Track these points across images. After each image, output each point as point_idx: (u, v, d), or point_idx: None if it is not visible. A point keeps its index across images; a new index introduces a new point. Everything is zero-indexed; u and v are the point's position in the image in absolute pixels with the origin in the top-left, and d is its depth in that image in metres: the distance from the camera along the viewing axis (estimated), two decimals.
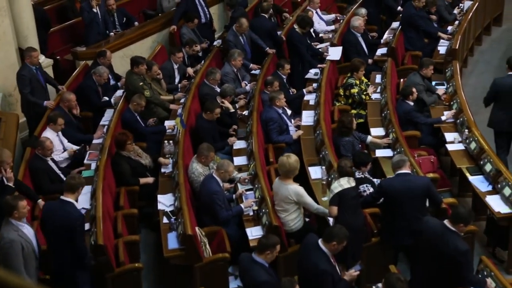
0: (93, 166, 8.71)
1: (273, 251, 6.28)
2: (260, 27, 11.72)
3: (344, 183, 7.14)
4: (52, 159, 8.42)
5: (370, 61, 11.37)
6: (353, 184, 7.19)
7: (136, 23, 12.65)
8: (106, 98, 10.31)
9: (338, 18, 12.99)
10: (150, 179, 8.69)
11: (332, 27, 12.67)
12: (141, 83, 9.92)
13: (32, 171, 8.30)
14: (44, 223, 6.91)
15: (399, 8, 12.96)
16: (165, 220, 7.78)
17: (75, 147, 9.08)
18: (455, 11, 12.86)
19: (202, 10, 12.38)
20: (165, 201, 8.07)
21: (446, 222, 6.37)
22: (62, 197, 6.81)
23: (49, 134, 8.76)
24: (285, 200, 7.38)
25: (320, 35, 12.35)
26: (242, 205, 7.85)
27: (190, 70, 11.09)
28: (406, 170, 7.22)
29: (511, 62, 9.24)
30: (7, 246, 6.35)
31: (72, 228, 6.60)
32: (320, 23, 12.72)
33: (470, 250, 6.57)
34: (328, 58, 11.11)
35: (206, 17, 12.50)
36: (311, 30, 11.95)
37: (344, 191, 7.08)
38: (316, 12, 12.77)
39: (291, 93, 10.55)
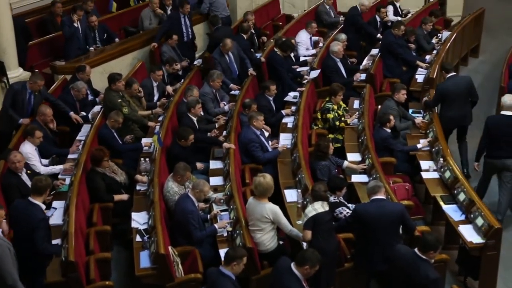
0: (68, 181, 8.62)
1: (240, 263, 6.39)
2: (237, 46, 11.79)
3: (318, 207, 7.16)
4: (29, 174, 8.26)
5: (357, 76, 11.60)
6: (327, 208, 7.21)
7: (116, 39, 12.64)
8: (84, 113, 10.24)
9: (319, 41, 13.07)
10: (124, 196, 8.64)
11: (313, 51, 12.77)
12: (119, 100, 9.88)
13: (4, 186, 8.16)
14: (13, 222, 7.17)
15: (378, 35, 13.10)
16: (138, 238, 7.72)
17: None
18: (433, 40, 13.04)
19: (185, 29, 12.43)
20: (139, 219, 8.02)
21: (416, 250, 6.44)
22: (30, 198, 7.10)
23: (28, 147, 8.66)
24: (262, 219, 7.39)
25: (302, 59, 12.43)
26: (216, 225, 7.83)
27: (169, 89, 11.09)
28: (381, 196, 7.27)
29: (445, 67, 10.33)
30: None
31: (32, 230, 6.88)
32: (309, 48, 12.82)
33: (441, 278, 6.61)
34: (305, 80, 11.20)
35: (188, 37, 12.54)
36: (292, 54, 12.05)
37: (318, 215, 7.10)
38: (310, 38, 12.88)
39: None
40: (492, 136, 8.89)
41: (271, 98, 10.55)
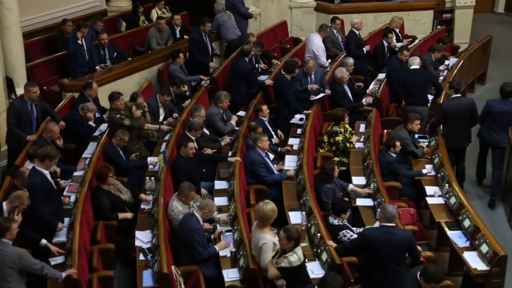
0: (73, 198, 8.64)
1: None
2: (238, 69, 11.82)
3: (300, 254, 7.02)
4: None
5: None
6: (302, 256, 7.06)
7: (129, 58, 12.74)
8: (92, 124, 10.31)
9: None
10: (128, 215, 8.63)
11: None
12: (118, 116, 9.91)
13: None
14: None
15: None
16: (141, 257, 7.71)
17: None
18: (441, 67, 13.07)
19: (208, 48, 12.74)
20: (142, 238, 8.01)
21: (418, 276, 6.48)
22: (35, 165, 7.98)
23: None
24: (256, 247, 7.35)
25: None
26: (216, 247, 7.83)
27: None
28: (393, 224, 7.25)
29: (453, 86, 10.22)
30: (24, 256, 6.69)
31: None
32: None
33: None
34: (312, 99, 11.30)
35: (209, 56, 12.82)
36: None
37: (300, 266, 7.00)
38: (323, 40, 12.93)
39: (274, 138, 10.58)
40: (408, 87, 11.09)
41: (265, 119, 10.57)
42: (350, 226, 8.12)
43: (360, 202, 8.93)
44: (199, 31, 12.60)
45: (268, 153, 9.70)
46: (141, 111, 10.35)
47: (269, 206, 7.32)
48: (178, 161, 9.19)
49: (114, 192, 8.65)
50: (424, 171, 9.55)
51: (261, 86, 11.90)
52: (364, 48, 13.09)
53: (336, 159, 10.03)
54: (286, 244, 6.92)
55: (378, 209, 7.70)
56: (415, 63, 11.26)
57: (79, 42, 11.80)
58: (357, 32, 13.15)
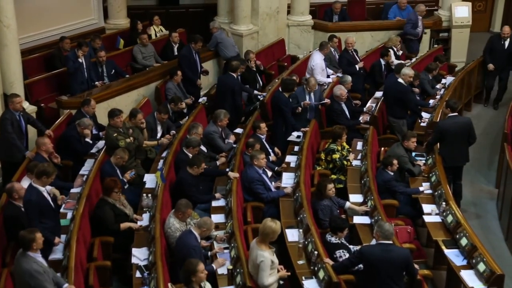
0: (69, 215, 8.61)
1: None
2: (224, 85, 11.82)
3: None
4: None
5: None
6: None
7: (127, 76, 12.75)
8: (89, 140, 10.30)
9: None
10: (133, 224, 8.59)
11: (329, 80, 12.84)
12: (115, 135, 9.90)
13: (6, 218, 8.14)
14: None
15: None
16: (138, 274, 7.68)
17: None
18: (438, 86, 13.11)
19: (197, 66, 12.67)
20: (139, 255, 7.98)
21: None
22: (32, 182, 8.03)
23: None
24: (254, 264, 7.35)
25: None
26: (213, 265, 7.80)
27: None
28: (390, 241, 7.24)
29: (451, 105, 10.23)
30: (35, 276, 6.69)
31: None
32: (324, 70, 12.87)
33: None
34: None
35: (197, 74, 12.75)
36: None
37: None
38: (324, 59, 12.90)
39: (271, 155, 10.59)
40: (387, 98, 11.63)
41: (263, 137, 10.57)
42: (347, 245, 8.11)
43: (357, 220, 8.92)
44: (190, 48, 12.62)
45: (266, 170, 9.70)
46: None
47: (271, 223, 7.36)
48: (186, 178, 9.17)
49: (119, 206, 8.63)
50: (421, 189, 9.56)
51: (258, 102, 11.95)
52: (356, 66, 13.14)
53: (333, 176, 10.04)
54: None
55: (375, 227, 7.72)
56: (400, 75, 11.49)
57: (80, 60, 11.83)
58: (349, 50, 13.23)
